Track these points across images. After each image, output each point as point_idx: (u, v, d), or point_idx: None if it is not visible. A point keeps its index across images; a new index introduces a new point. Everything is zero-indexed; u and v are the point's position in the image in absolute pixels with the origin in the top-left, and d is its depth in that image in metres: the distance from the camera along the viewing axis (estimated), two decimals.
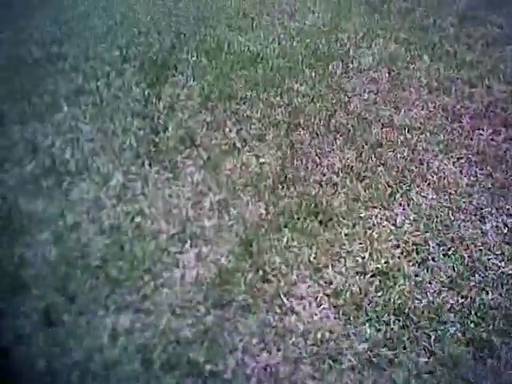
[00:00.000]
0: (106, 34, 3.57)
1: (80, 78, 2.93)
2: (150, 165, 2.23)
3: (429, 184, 2.22)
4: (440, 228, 1.96)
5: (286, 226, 1.93)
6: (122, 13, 4.02)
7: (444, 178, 2.25)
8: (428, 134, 2.54)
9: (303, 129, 2.55)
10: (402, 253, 1.85)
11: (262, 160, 2.30)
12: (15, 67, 3.09)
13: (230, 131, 2.50)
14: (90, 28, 3.68)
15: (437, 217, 2.02)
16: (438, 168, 2.31)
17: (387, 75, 3.10)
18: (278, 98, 2.81)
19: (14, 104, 2.65)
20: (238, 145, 2.39)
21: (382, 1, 4.27)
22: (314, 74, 3.07)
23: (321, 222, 1.95)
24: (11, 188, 2.10)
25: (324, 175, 2.23)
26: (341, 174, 2.23)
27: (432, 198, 2.13)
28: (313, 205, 2.02)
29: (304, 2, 4.22)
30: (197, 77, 2.99)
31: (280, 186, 2.13)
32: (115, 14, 3.98)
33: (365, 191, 2.13)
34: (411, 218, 2.02)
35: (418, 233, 1.95)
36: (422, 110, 2.77)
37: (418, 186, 2.20)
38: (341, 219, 1.97)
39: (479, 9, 4.10)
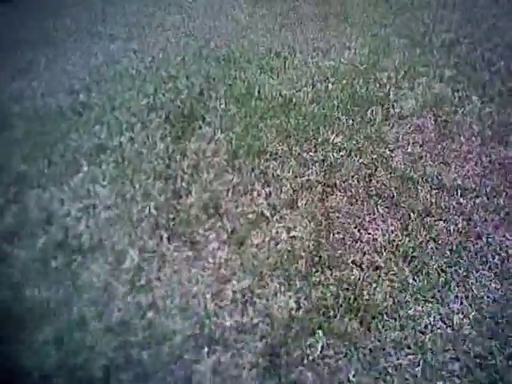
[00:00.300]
0: (135, 80, 3.35)
1: (104, 132, 2.70)
2: (168, 239, 1.94)
3: (490, 268, 1.80)
4: (509, 334, 1.55)
5: (320, 327, 1.57)
6: (154, 55, 3.81)
7: (508, 259, 1.83)
8: (485, 198, 2.12)
9: (340, 191, 2.19)
10: (461, 369, 1.46)
11: (293, 233, 1.96)
12: (41, 119, 2.90)
13: (259, 195, 2.18)
14: (120, 73, 3.48)
15: (503, 317, 1.61)
16: (499, 245, 1.89)
17: (433, 122, 2.69)
18: (311, 153, 2.46)
19: (34, 164, 2.44)
20: (267, 213, 2.06)
21: (423, 33, 3.86)
22: (351, 122, 2.71)
23: (361, 323, 1.58)
24: (19, 267, 1.85)
25: (364, 254, 1.86)
26: (384, 254, 1.85)
27: (495, 289, 1.71)
28: (352, 297, 1.66)
29: (339, 38, 3.86)
30: (225, 128, 2.69)
31: (313, 270, 1.78)
32: (146, 57, 3.77)
33: (414, 278, 1.75)
34: (471, 316, 1.62)
35: (481, 339, 1.55)
36: (476, 165, 2.35)
37: (476, 271, 1.78)
38: (386, 318, 1.60)
39: None
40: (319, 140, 2.57)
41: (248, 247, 1.89)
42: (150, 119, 2.81)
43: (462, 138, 2.54)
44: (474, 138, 2.53)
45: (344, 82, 3.15)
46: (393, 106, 2.86)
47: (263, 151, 2.48)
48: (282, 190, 2.20)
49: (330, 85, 3.13)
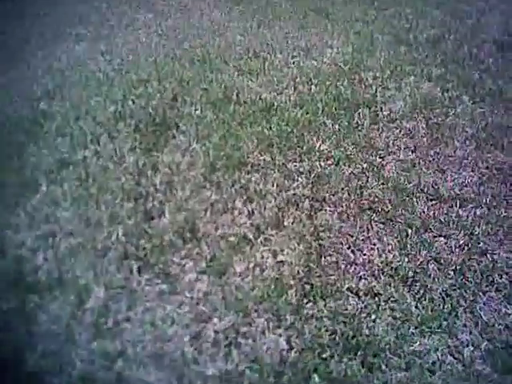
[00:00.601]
0: (102, 85, 3.08)
1: (66, 145, 2.42)
2: (139, 270, 1.70)
3: (497, 289, 1.63)
4: None
5: (316, 370, 1.38)
6: (123, 57, 3.55)
7: None
8: (486, 209, 1.96)
9: (329, 206, 2.00)
10: None
11: (280, 257, 1.75)
12: None
13: (240, 214, 1.96)
14: (86, 77, 3.21)
15: None
16: (506, 262, 1.73)
17: (424, 125, 2.52)
18: (296, 163, 2.26)
19: None
20: (250, 235, 1.84)
21: (407, 29, 3.70)
22: (337, 127, 2.52)
23: (362, 363, 1.39)
24: None
25: (360, 279, 1.66)
26: (382, 278, 1.66)
27: (506, 314, 1.55)
28: (350, 332, 1.46)
29: (320, 36, 3.67)
30: (201, 137, 2.47)
31: (305, 301, 1.58)
32: (114, 59, 3.51)
33: (416, 305, 1.56)
34: (482, 347, 1.45)
35: (496, 375, 1.38)
36: (473, 171, 2.19)
37: (484, 293, 1.61)
38: (389, 356, 1.42)
39: None
40: (304, 148, 2.37)
41: (230, 277, 1.68)
42: (118, 129, 2.55)
43: (455, 142, 2.38)
44: (468, 142, 2.37)
45: (328, 83, 2.96)
46: (381, 108, 2.68)
47: (244, 162, 2.27)
48: (265, 207, 1.99)
49: (313, 87, 2.93)
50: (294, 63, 3.27)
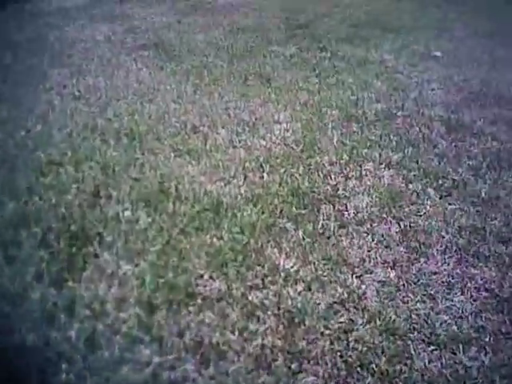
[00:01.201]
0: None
1: None
2: None
3: None
4: None
5: None
6: (29, 128, 2.87)
7: None
8: (491, 354, 1.63)
9: (310, 364, 1.52)
10: None
11: None
12: None
13: None
14: None
15: None
16: None
17: (397, 230, 2.17)
18: (259, 292, 1.78)
19: None
20: None
21: (355, 103, 3.47)
22: (301, 234, 2.08)
23: None
24: None
25: None
26: None
27: None
28: None
29: (265, 107, 3.30)
30: (133, 254, 1.90)
31: None
32: (17, 131, 2.83)
33: None
34: None
35: None
36: (463, 295, 1.85)
37: None
38: None
39: (461, 111, 3.45)
40: (266, 267, 1.89)
41: None
42: (20, 241, 1.89)
43: (435, 253, 2.05)
44: (448, 252, 2.05)
45: (281, 170, 2.56)
46: (345, 205, 2.32)
47: (192, 294, 1.72)
48: (227, 373, 1.47)
49: (265, 175, 2.50)
50: (239, 142, 2.84)
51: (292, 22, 5.54)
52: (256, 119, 3.11)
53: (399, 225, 2.21)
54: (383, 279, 1.89)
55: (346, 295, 1.78)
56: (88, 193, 2.25)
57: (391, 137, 3.00)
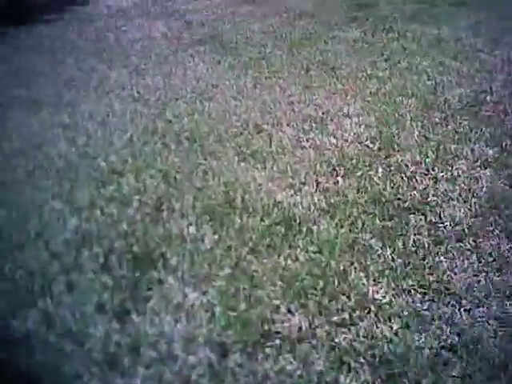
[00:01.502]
0: (62, 179, 2.20)
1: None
2: None
3: None
4: None
5: None
6: (89, 133, 2.68)
7: None
8: None
9: None
10: None
11: None
12: None
13: None
14: (40, 167, 2.33)
15: None
16: None
17: (508, 247, 1.74)
18: (346, 332, 1.39)
19: None
20: None
21: (433, 89, 2.95)
22: (390, 253, 1.66)
23: None
24: None
25: None
26: None
27: None
28: None
29: (331, 99, 2.86)
30: (200, 279, 1.60)
31: None
32: (79, 137, 2.63)
33: None
34: None
35: None
36: None
37: None
38: None
39: None
40: (352, 297, 1.55)
41: None
42: (80, 264, 1.68)
43: None
44: None
45: (358, 173, 2.16)
46: (439, 215, 1.89)
47: (267, 334, 1.42)
48: None
49: (340, 180, 2.13)
50: (307, 141, 2.46)
51: (352, 2, 4.98)
52: (323, 114, 2.71)
53: (510, 240, 1.77)
54: (500, 315, 1.48)
55: (455, 337, 1.39)
56: (150, 205, 2.00)
57: (483, 128, 2.49)
